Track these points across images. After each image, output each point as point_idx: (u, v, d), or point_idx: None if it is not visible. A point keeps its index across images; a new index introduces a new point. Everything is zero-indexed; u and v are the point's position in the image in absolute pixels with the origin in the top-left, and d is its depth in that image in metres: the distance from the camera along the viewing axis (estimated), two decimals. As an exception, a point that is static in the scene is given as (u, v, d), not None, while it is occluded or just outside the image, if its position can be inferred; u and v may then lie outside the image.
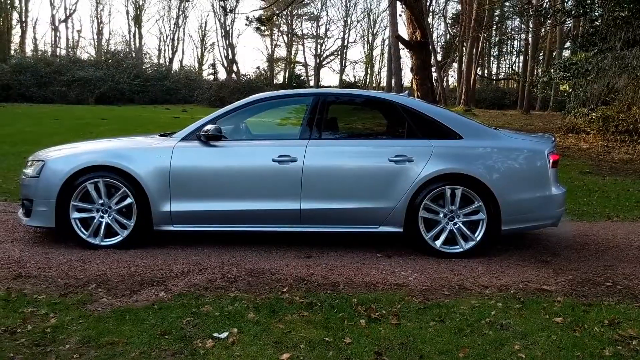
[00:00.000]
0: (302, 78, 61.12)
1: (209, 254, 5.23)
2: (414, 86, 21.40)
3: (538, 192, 5.36)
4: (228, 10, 25.46)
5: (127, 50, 42.14)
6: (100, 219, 5.31)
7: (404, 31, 23.43)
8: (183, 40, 75.88)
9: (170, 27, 60.04)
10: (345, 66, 64.18)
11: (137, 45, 56.28)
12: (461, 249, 5.31)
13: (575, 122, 17.33)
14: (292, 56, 63.73)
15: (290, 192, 5.26)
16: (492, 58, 55.50)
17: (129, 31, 60.85)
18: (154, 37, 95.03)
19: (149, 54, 49.02)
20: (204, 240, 5.63)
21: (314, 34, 63.41)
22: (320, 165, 5.29)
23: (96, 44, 55.79)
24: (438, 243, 5.31)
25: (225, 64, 59.84)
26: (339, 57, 63.31)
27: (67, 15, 55.55)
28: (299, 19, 63.38)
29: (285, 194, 5.27)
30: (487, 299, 4.28)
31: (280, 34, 64.45)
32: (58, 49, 53.78)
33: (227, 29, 58.90)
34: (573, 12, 15.74)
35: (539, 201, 5.37)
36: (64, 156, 5.43)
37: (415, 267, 5.02)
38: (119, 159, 5.28)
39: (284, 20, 63.84)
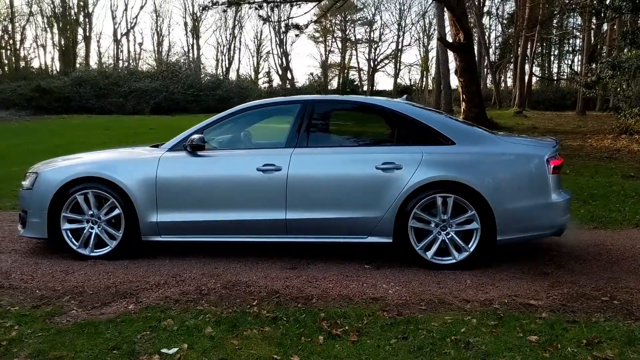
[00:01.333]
0: (355, 83, 61.01)
1: (193, 265, 5.18)
2: (459, 89, 20.95)
3: (536, 199, 5.05)
4: (264, 18, 25.46)
5: (182, 61, 42.96)
6: (90, 230, 5.36)
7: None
8: (239, 49, 76.97)
9: (226, 37, 60.99)
10: (399, 70, 63.71)
11: (195, 56, 57.65)
12: (454, 260, 5.06)
13: (628, 123, 16.48)
14: (346, 61, 63.70)
15: (275, 202, 5.15)
16: (552, 58, 53.83)
17: (187, 42, 62.26)
18: (211, 48, 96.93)
19: (203, 64, 49.91)
20: (193, 251, 5.59)
21: (368, 38, 63.14)
22: (305, 174, 5.16)
23: (156, 55, 57.41)
24: (429, 254, 5.08)
25: (280, 72, 60.46)
26: (393, 61, 62.83)
27: (128, 29, 57.37)
28: (353, 24, 63.30)
29: (270, 203, 5.17)
30: (464, 314, 4.04)
31: (334, 39, 64.60)
32: (120, 62, 55.66)
33: (282, 37, 59.44)
34: (623, 8, 14.97)
35: (537, 209, 5.06)
36: (56, 168, 5.51)
37: (400, 279, 4.82)
38: (107, 170, 5.32)
39: (338, 26, 64.04)
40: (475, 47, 46.13)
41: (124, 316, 4.04)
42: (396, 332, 3.74)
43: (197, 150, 5.29)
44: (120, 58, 57.01)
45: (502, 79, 49.95)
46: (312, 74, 68.99)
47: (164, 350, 3.51)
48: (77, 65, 47.93)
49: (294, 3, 20.57)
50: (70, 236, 5.37)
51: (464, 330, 3.76)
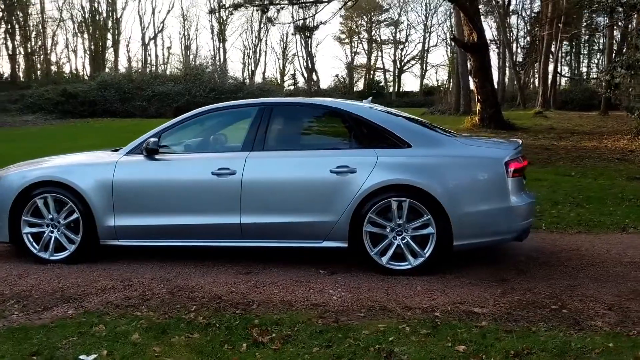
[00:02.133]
0: (381, 84, 60.77)
1: (147, 270, 5.16)
2: (474, 88, 20.67)
3: (494, 204, 4.90)
4: (272, 20, 25.46)
5: (205, 64, 43.29)
6: (50, 234, 5.38)
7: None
8: (265, 52, 77.22)
9: (252, 40, 61.32)
10: (426, 70, 63.22)
11: (222, 59, 58.13)
12: (409, 266, 4.94)
13: (645, 123, 16.03)
14: (372, 63, 63.48)
15: (230, 206, 5.11)
16: (581, 57, 52.78)
17: (214, 46, 62.80)
18: (238, 51, 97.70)
19: (226, 67, 50.20)
20: (153, 255, 5.54)
21: (394, 39, 62.80)
22: (259, 177, 5.10)
23: (183, 59, 57.98)
24: (384, 259, 4.97)
25: (305, 74, 60.55)
26: (419, 61, 62.37)
27: (155, 33, 58.16)
28: (378, 25, 63.04)
29: (225, 208, 5.12)
30: (400, 322, 3.93)
31: (359, 41, 64.47)
32: (148, 66, 56.44)
33: (306, 39, 59.50)
34: (637, 5, 14.56)
35: (495, 214, 4.90)
36: (18, 172, 5.56)
37: (350, 285, 4.72)
38: (65, 174, 5.33)
39: (364, 27, 63.88)
40: (498, 47, 45.57)
41: (59, 321, 4.03)
42: (322, 340, 3.65)
43: (153, 154, 5.27)
44: (148, 62, 57.93)
45: (529, 79, 49.11)
46: (337, 75, 69.11)
47: (81, 357, 3.48)
48: (107, 70, 48.66)
49: (303, 5, 20.51)
50: (31, 240, 5.40)
51: (392, 338, 3.65)
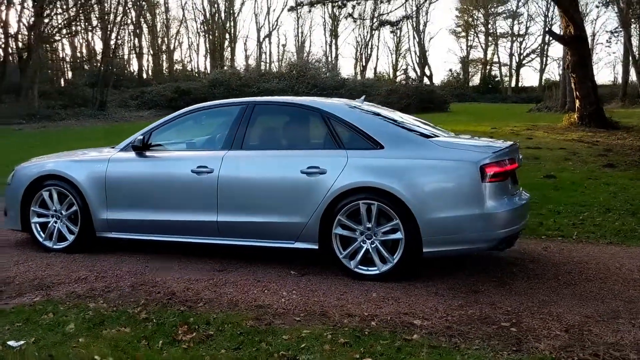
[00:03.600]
0: (497, 79, 58.57)
1: (130, 263, 5.35)
2: (573, 85, 19.41)
3: (467, 210, 4.61)
4: (352, 15, 25.22)
5: (309, 60, 43.91)
6: (54, 224, 5.74)
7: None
8: (377, 47, 76.85)
9: (364, 35, 61.23)
10: (546, 64, 60.09)
11: (333, 55, 58.76)
12: (377, 271, 4.77)
13: None
14: (489, 57, 61.30)
15: (207, 204, 5.19)
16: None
17: (326, 42, 63.35)
18: (350, 46, 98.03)
19: (331, 62, 50.70)
20: (146, 248, 5.72)
21: (513, 32, 60.22)
22: (234, 176, 5.14)
23: (296, 56, 59.16)
24: (353, 263, 4.84)
25: (417, 69, 59.67)
26: (539, 55, 59.34)
27: (270, 31, 59.78)
28: (496, 18, 60.72)
29: (203, 205, 5.21)
30: (329, 329, 3.82)
31: (476, 34, 62.49)
32: (262, 63, 58.21)
33: (420, 34, 58.64)
34: None
35: (468, 221, 4.61)
36: (29, 165, 5.98)
37: (309, 287, 4.64)
38: (67, 169, 5.67)
39: (481, 20, 61.83)
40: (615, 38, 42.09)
41: (19, 307, 4.28)
42: (235, 342, 3.63)
43: (139, 151, 5.47)
44: (262, 59, 59.71)
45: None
46: (450, 70, 67.50)
47: (10, 342, 3.69)
48: (225, 68, 50.72)
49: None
50: (39, 229, 5.79)
51: (304, 345, 3.57)
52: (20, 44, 33.03)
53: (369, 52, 60.98)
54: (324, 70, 41.60)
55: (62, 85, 40.16)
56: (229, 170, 5.13)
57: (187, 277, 4.93)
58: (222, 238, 5.23)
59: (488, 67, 61.36)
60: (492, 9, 61.13)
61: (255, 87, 36.61)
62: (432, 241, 4.63)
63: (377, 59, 79.49)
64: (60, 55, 44.35)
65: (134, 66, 55.02)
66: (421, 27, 60.31)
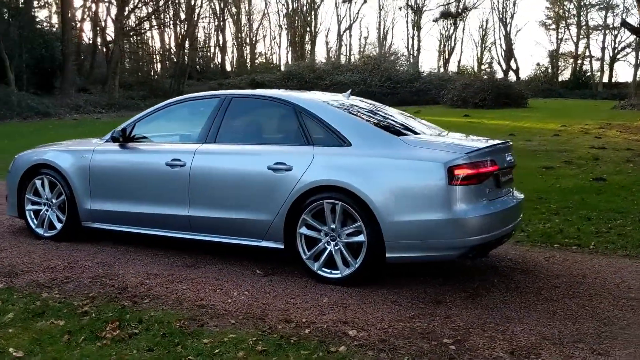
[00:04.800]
0: (587, 75, 55.60)
1: (104, 254, 5.35)
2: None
3: (432, 214, 4.27)
4: (411, 7, 24.38)
5: (381, 53, 43.34)
6: (45, 212, 5.84)
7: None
8: (462, 40, 74.63)
9: (447, 27, 59.73)
10: (643, 59, 56.19)
11: (415, 47, 57.77)
12: (340, 275, 4.52)
13: None
14: (581, 50, 58.25)
15: (180, 198, 5.11)
16: None
17: (408, 35, 62.29)
18: (434, 39, 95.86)
19: (401, 53, 49.80)
20: (133, 240, 5.72)
21: (607, 24, 56.87)
22: (204, 171, 5.02)
23: (378, 49, 58.56)
24: (316, 265, 4.61)
25: (503, 62, 57.67)
26: (635, 49, 55.67)
27: (350, 24, 59.54)
28: (588, 10, 57.58)
29: (176, 199, 5.13)
30: (257, 334, 3.62)
31: (567, 27, 59.49)
32: (342, 56, 58.07)
33: (506, 26, 56.61)
34: None
35: (433, 226, 4.27)
36: (27, 154, 6.10)
37: (263, 289, 4.46)
38: (57, 158, 5.74)
39: (573, 12, 58.84)
40: None
41: (-27, 294, 4.36)
42: (152, 343, 3.51)
43: (119, 142, 5.46)
44: (342, 52, 59.56)
45: None
46: (538, 64, 64.76)
47: None
48: (306, 61, 51.04)
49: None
50: (32, 216, 5.91)
51: (217, 351, 3.40)
52: (107, 37, 34.62)
53: (452, 44, 59.43)
54: (399, 63, 40.93)
55: (145, 76, 41.64)
56: (200, 164, 5.03)
57: (149, 271, 4.86)
58: (193, 233, 5.14)
59: (579, 62, 58.38)
60: (586, 0, 58.04)
61: (328, 79, 36.55)
62: (395, 246, 4.34)
63: (461, 52, 76.71)
64: (150, 47, 46.10)
65: (220, 59, 56.37)
66: (508, 19, 58.29)
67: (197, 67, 52.31)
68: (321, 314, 3.97)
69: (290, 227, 4.68)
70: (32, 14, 31.07)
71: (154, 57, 45.86)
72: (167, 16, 41.04)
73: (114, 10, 32.82)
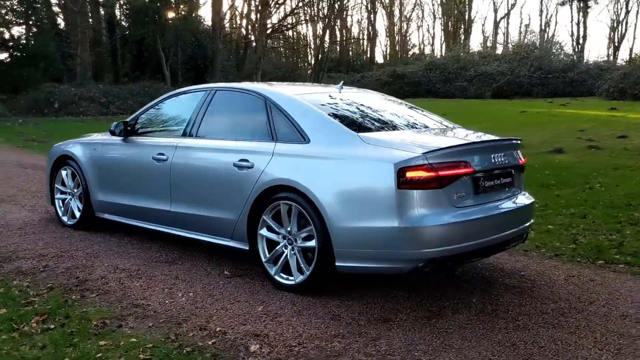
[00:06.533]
0: None
1: (102, 245, 5.43)
2: None
3: (380, 221, 3.76)
4: None
5: (533, 41, 40.45)
6: (69, 202, 6.10)
7: None
8: (634, 25, 67.20)
9: (617, 12, 54.38)
10: None
11: (581, 34, 53.43)
12: (293, 282, 4.18)
13: None
14: None
15: (163, 192, 5.05)
16: None
17: (572, 20, 57.75)
18: (604, 25, 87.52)
19: (559, 42, 45.99)
20: (140, 232, 5.76)
21: None
22: (181, 165, 4.91)
23: (539, 36, 55.03)
24: (274, 270, 4.30)
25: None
26: None
27: (508, 11, 56.57)
28: None
29: (160, 193, 5.08)
30: (157, 341, 3.44)
31: None
32: (499, 45, 55.37)
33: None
34: None
35: (381, 234, 3.77)
36: (58, 145, 6.39)
37: (212, 292, 4.23)
38: (76, 150, 5.95)
39: None
40: None
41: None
42: (51, 340, 3.45)
43: (116, 136, 5.52)
44: (498, 41, 56.73)
45: None
46: None
47: None
48: (461, 53, 49.55)
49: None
50: (61, 205, 6.20)
51: (99, 355, 3.26)
52: (251, 35, 36.10)
53: (622, 30, 54.07)
54: (554, 51, 38.07)
55: (288, 70, 42.81)
56: (179, 159, 4.92)
57: (119, 265, 4.85)
58: (175, 228, 5.06)
59: None
60: None
61: (472, 70, 35.02)
62: (344, 254, 3.90)
63: (634, 38, 69.18)
64: (294, 41, 47.40)
65: (377, 51, 56.52)
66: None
67: (350, 59, 52.95)
68: (241, 324, 3.68)
69: (253, 228, 4.41)
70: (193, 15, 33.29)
71: (299, 50, 47.09)
72: (312, 10, 41.84)
73: (258, 9, 34.03)
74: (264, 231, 4.35)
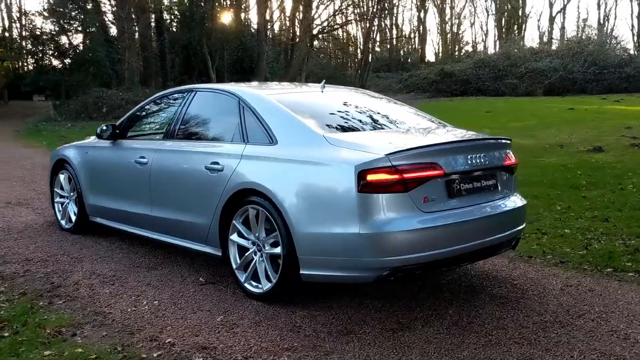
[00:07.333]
0: None
1: (92, 249, 5.37)
2: None
3: (340, 227, 3.53)
4: None
5: (589, 37, 38.75)
6: (67, 206, 6.10)
7: None
8: None
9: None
10: None
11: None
12: (261, 290, 3.99)
13: None
14: None
15: (144, 196, 4.95)
16: None
17: (631, 12, 55.34)
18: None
19: (615, 36, 43.87)
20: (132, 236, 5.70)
21: None
22: (158, 169, 4.80)
23: (597, 31, 52.96)
24: (244, 277, 4.12)
25: None
26: None
27: (564, 5, 54.69)
28: None
29: (141, 197, 4.98)
30: (102, 352, 3.31)
31: None
32: (554, 40, 53.60)
33: None
34: None
35: (342, 241, 3.54)
36: (59, 149, 6.40)
37: (178, 301, 4.08)
38: (69, 153, 5.94)
39: None
40: None
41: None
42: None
43: (103, 139, 5.47)
44: (554, 37, 54.89)
45: None
46: None
47: None
48: (516, 50, 48.28)
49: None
50: (60, 209, 6.20)
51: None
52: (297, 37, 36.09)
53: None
54: (610, 45, 36.49)
55: (332, 71, 42.55)
56: (157, 162, 4.81)
57: (96, 270, 4.76)
58: (156, 233, 4.95)
59: None
60: None
61: (522, 67, 33.91)
62: (308, 262, 3.69)
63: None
64: (339, 42, 47.18)
65: (427, 50, 55.75)
66: None
67: (399, 59, 52.38)
68: (194, 335, 3.51)
69: (225, 233, 4.25)
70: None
71: (343, 51, 46.77)
72: (362, 9, 41.52)
73: (302, 10, 34.02)
74: (234, 237, 4.18)
